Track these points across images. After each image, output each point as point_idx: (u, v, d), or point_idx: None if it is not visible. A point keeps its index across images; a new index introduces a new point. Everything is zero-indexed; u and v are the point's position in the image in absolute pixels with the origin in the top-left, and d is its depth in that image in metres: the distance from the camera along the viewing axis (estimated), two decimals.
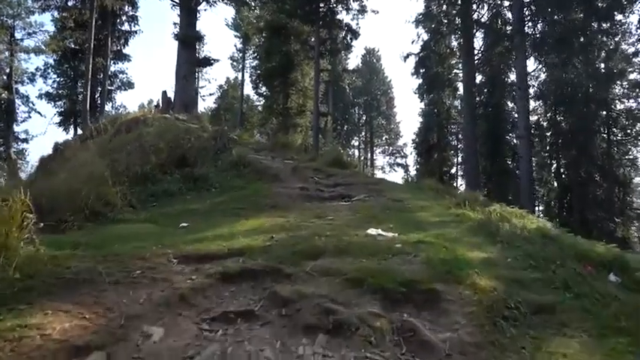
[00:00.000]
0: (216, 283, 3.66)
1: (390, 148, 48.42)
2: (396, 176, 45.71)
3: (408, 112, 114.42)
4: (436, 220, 6.51)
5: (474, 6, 22.08)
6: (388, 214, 6.60)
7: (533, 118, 24.03)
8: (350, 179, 10.12)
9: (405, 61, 24.38)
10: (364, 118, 48.18)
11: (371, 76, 46.03)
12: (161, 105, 17.80)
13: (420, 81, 26.85)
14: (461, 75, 23.66)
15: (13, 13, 25.17)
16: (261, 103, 30.31)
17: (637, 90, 22.44)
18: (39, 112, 28.86)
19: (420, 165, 30.51)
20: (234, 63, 40.97)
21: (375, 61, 47.50)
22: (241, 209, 7.01)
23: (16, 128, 28.44)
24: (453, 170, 31.65)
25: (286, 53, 23.09)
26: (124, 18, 28.13)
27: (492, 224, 5.89)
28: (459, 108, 27.61)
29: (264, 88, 27.33)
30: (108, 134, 12.47)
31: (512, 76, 24.17)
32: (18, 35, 26.36)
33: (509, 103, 26.27)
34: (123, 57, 29.19)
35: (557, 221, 11.75)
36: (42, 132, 39.42)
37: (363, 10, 23.21)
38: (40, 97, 28.03)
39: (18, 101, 27.95)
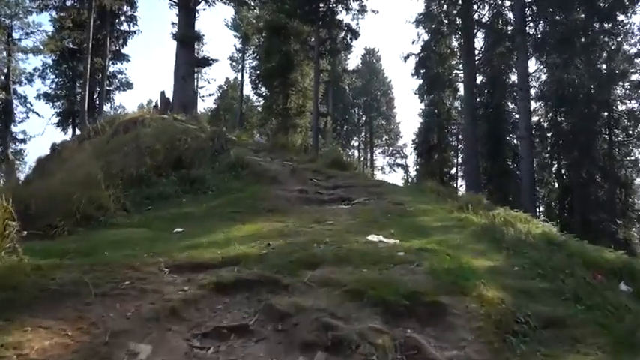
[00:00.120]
0: (209, 294, 3.50)
1: (390, 148, 48.24)
2: (396, 177, 45.63)
3: (408, 112, 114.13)
4: (438, 224, 6.36)
5: (475, 6, 21.90)
6: (389, 219, 6.45)
7: (534, 118, 23.83)
8: (350, 181, 9.96)
9: (405, 61, 24.20)
10: (364, 118, 47.98)
11: (371, 77, 45.81)
12: (159, 105, 17.64)
13: (421, 81, 26.67)
14: (461, 75, 23.47)
15: (10, 13, 24.98)
16: (261, 103, 30.13)
17: (639, 91, 22.26)
18: (37, 113, 28.69)
19: (420, 166, 30.32)
20: (234, 63, 40.80)
21: (375, 61, 47.29)
22: (238, 213, 6.86)
23: (14, 129, 28.30)
24: (454, 171, 31.44)
25: (286, 53, 22.92)
26: (122, 18, 27.91)
27: (497, 229, 5.75)
28: (460, 109, 27.43)
29: (263, 89, 27.16)
30: (106, 135, 12.33)
31: (513, 77, 24.05)
32: (16, 35, 26.28)
33: (510, 103, 26.08)
34: (122, 57, 28.99)
35: (558, 223, 11.61)
36: (40, 132, 39.39)
37: (363, 10, 23.04)
38: (38, 97, 27.89)
39: (16, 102, 27.79)
